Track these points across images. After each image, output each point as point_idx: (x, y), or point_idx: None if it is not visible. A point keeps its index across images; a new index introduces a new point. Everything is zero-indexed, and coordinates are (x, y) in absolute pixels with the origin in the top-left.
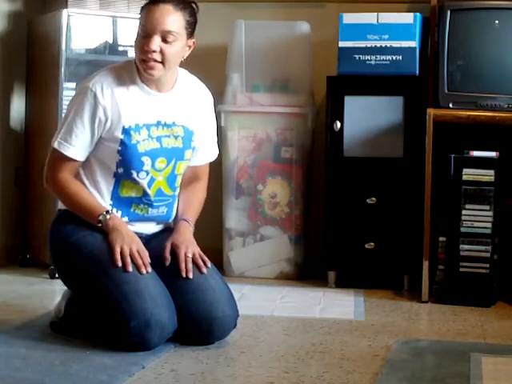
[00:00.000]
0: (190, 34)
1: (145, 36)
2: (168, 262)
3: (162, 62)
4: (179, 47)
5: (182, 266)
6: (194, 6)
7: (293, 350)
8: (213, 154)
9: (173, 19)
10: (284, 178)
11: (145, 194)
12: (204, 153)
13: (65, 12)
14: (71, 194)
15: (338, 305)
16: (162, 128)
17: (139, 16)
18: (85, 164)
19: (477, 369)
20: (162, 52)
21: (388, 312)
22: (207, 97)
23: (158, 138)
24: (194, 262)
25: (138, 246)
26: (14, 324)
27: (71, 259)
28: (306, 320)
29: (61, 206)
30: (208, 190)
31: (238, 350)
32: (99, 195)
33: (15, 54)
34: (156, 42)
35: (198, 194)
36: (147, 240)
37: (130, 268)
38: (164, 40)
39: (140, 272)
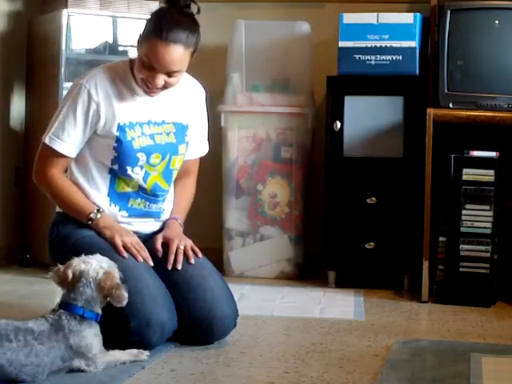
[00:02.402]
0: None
1: (149, 69)
2: (160, 254)
3: (165, 87)
4: (182, 74)
5: (171, 258)
6: (198, 26)
7: (293, 350)
8: (203, 148)
9: (182, 59)
10: (284, 178)
11: (141, 188)
12: (195, 147)
13: (65, 12)
14: (61, 191)
15: (338, 305)
16: (154, 126)
17: (144, 36)
18: (79, 162)
19: (477, 369)
20: (165, 82)
21: (388, 312)
22: (199, 91)
23: (151, 136)
24: (184, 254)
25: (136, 239)
26: None
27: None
28: (306, 320)
29: (59, 208)
30: (208, 189)
31: (238, 350)
32: (97, 192)
33: (15, 54)
34: (161, 78)
35: (187, 191)
36: (145, 239)
37: (140, 258)
38: (169, 75)
39: (137, 260)
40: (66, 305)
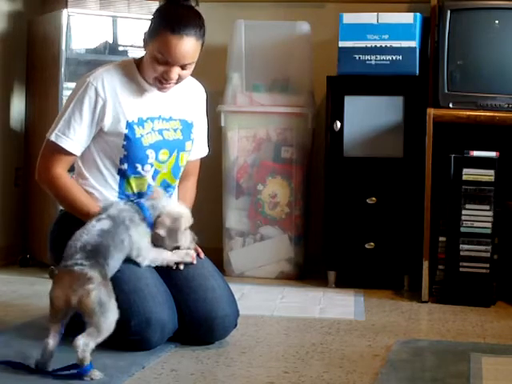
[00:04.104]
0: None
1: (164, 64)
2: None
3: (178, 81)
4: (193, 66)
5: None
6: (202, 17)
7: (293, 350)
8: (204, 149)
9: (195, 50)
10: (284, 178)
11: (149, 187)
12: (196, 148)
13: (65, 12)
14: (64, 190)
15: (338, 305)
16: (163, 121)
17: (154, 33)
18: (90, 163)
19: (477, 369)
20: (179, 76)
21: (388, 312)
22: (201, 91)
23: (160, 131)
24: None
25: None
26: (13, 324)
27: None
28: (306, 320)
29: (62, 207)
30: (208, 189)
31: (238, 350)
32: (108, 192)
33: (15, 54)
34: (177, 72)
35: (189, 194)
36: None
37: None
38: (182, 67)
39: None
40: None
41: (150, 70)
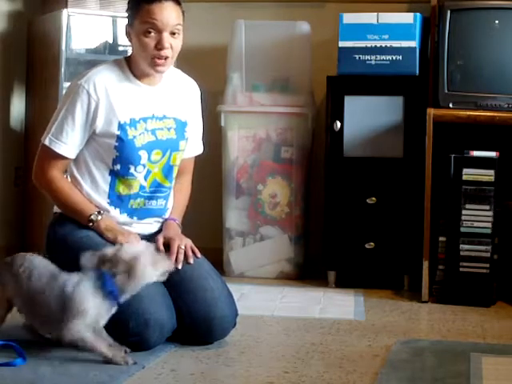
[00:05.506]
0: None
1: (153, 34)
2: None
3: (172, 57)
4: (181, 38)
5: (173, 257)
6: None
7: (293, 350)
8: (199, 148)
9: (177, 13)
10: (284, 178)
11: (141, 187)
12: (191, 146)
13: (65, 12)
14: (61, 192)
15: (338, 305)
16: (156, 121)
17: (133, 15)
18: (80, 165)
19: (477, 369)
20: (171, 47)
21: (388, 312)
22: (195, 89)
23: (153, 131)
24: (184, 253)
25: (138, 239)
26: (13, 324)
27: (69, 261)
28: (306, 320)
29: (56, 209)
30: (208, 189)
31: (238, 350)
32: (97, 195)
33: (15, 53)
34: (168, 39)
35: (183, 192)
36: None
37: None
38: (172, 34)
39: None
40: None
41: (142, 51)
